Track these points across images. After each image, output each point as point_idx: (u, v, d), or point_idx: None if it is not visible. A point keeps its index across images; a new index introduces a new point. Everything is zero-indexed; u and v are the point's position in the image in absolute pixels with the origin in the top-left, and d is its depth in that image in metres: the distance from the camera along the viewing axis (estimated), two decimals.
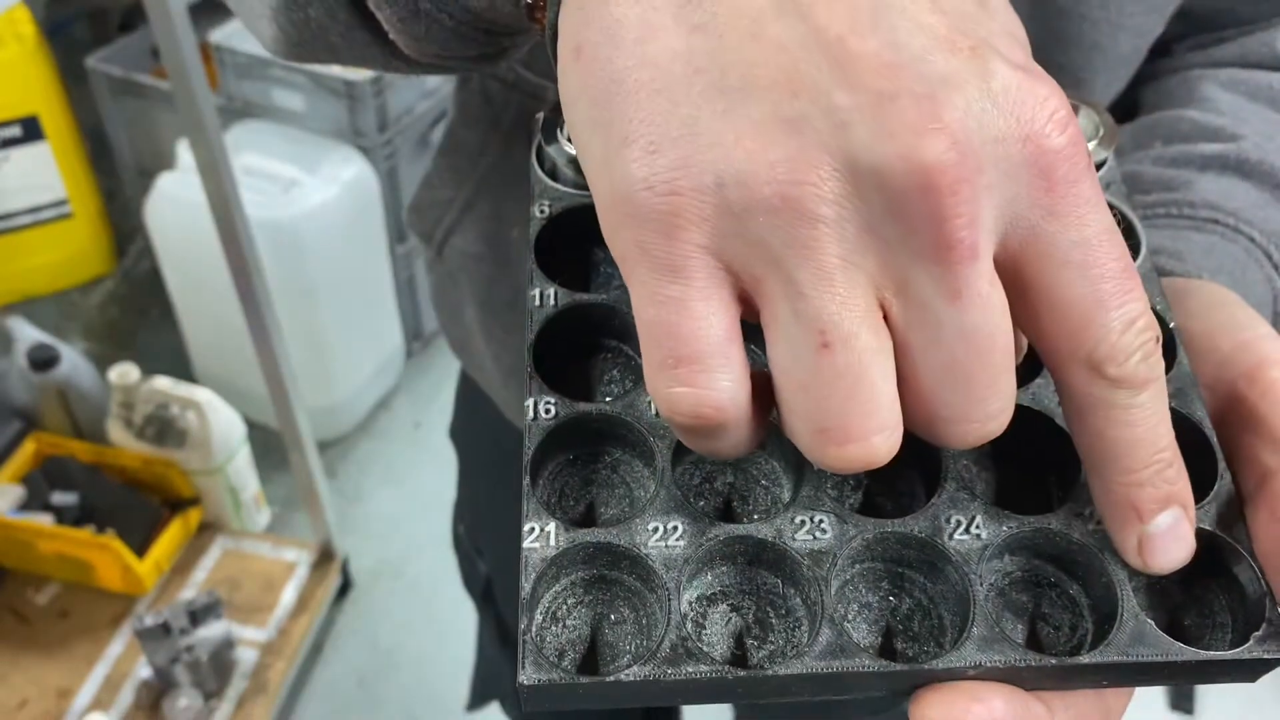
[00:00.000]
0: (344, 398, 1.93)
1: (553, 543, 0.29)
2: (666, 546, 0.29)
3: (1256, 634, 0.28)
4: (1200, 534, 0.29)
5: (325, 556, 1.67)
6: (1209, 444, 0.31)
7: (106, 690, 1.47)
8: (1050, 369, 0.27)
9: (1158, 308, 0.34)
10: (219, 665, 1.46)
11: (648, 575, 0.29)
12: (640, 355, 0.33)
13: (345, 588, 1.75)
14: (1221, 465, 0.31)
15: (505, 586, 0.80)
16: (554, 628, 0.30)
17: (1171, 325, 0.34)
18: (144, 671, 1.47)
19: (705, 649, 0.29)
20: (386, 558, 1.82)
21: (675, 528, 0.30)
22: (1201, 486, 0.30)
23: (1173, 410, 0.31)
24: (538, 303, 0.34)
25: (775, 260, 0.24)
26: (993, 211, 0.24)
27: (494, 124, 0.58)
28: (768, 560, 0.30)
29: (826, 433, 0.25)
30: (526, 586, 0.29)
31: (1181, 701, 1.14)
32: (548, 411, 0.32)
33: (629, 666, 0.28)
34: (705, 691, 0.28)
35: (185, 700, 1.43)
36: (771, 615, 0.31)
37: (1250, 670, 0.29)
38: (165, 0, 1.03)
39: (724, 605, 0.31)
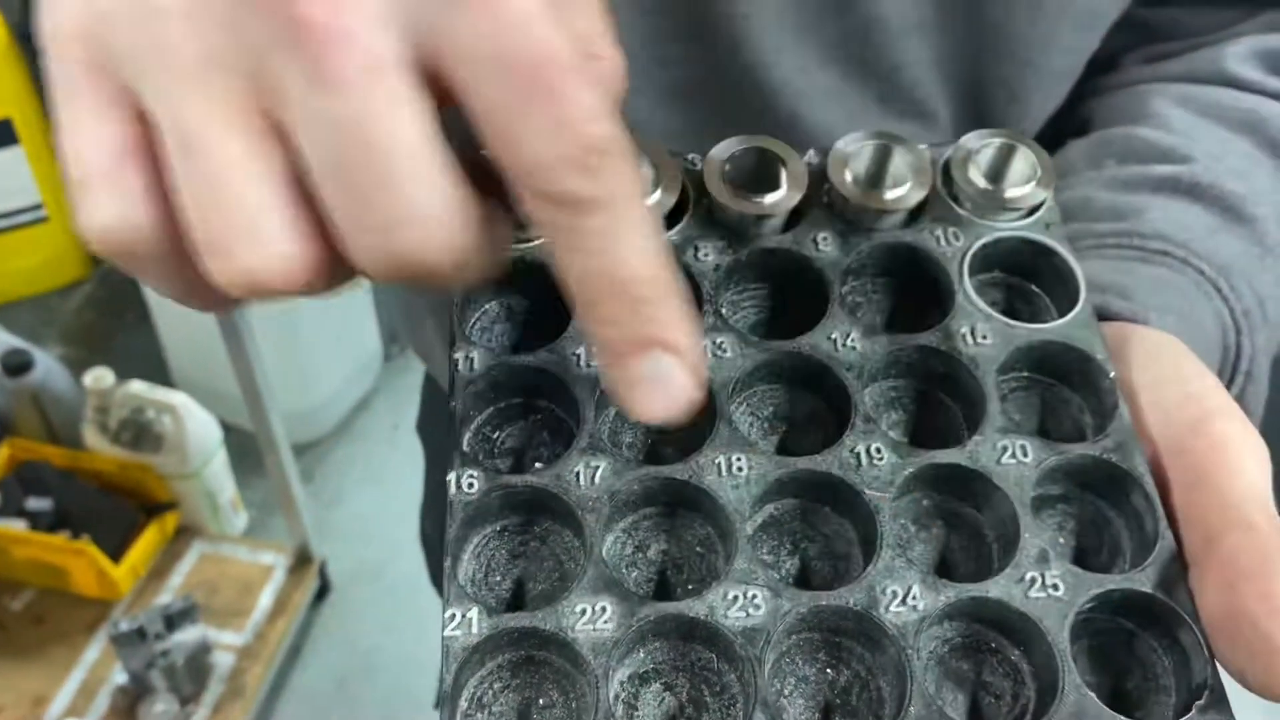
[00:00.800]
0: (321, 400, 1.93)
1: (475, 629, 0.28)
2: (594, 629, 0.28)
3: (1199, 703, 0.27)
4: (1141, 597, 0.29)
5: (303, 559, 1.67)
6: (1150, 500, 0.31)
7: (82, 697, 1.47)
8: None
9: (1098, 356, 0.33)
10: (195, 670, 1.46)
11: (576, 660, 0.28)
12: (569, 414, 0.33)
13: (323, 591, 1.75)
14: (1162, 525, 0.30)
15: None
16: (480, 715, 0.29)
17: (1111, 375, 0.33)
18: (120, 677, 1.47)
19: None
20: (365, 560, 1.82)
21: (603, 609, 0.29)
22: (1145, 544, 0.30)
23: (1113, 464, 0.31)
24: (460, 367, 0.33)
25: (140, 69, 0.23)
26: (382, 5, 0.22)
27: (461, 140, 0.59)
28: (701, 636, 0.30)
29: (204, 247, 0.23)
30: (448, 678, 0.28)
31: None
32: (470, 486, 0.31)
33: None
34: None
35: (161, 705, 1.43)
36: (706, 694, 0.30)
37: None
38: None
39: (657, 684, 0.30)
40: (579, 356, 0.33)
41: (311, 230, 0.24)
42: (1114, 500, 0.32)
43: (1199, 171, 0.43)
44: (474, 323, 0.35)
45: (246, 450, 1.86)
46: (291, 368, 1.81)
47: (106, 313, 2.18)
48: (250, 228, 0.23)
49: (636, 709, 0.29)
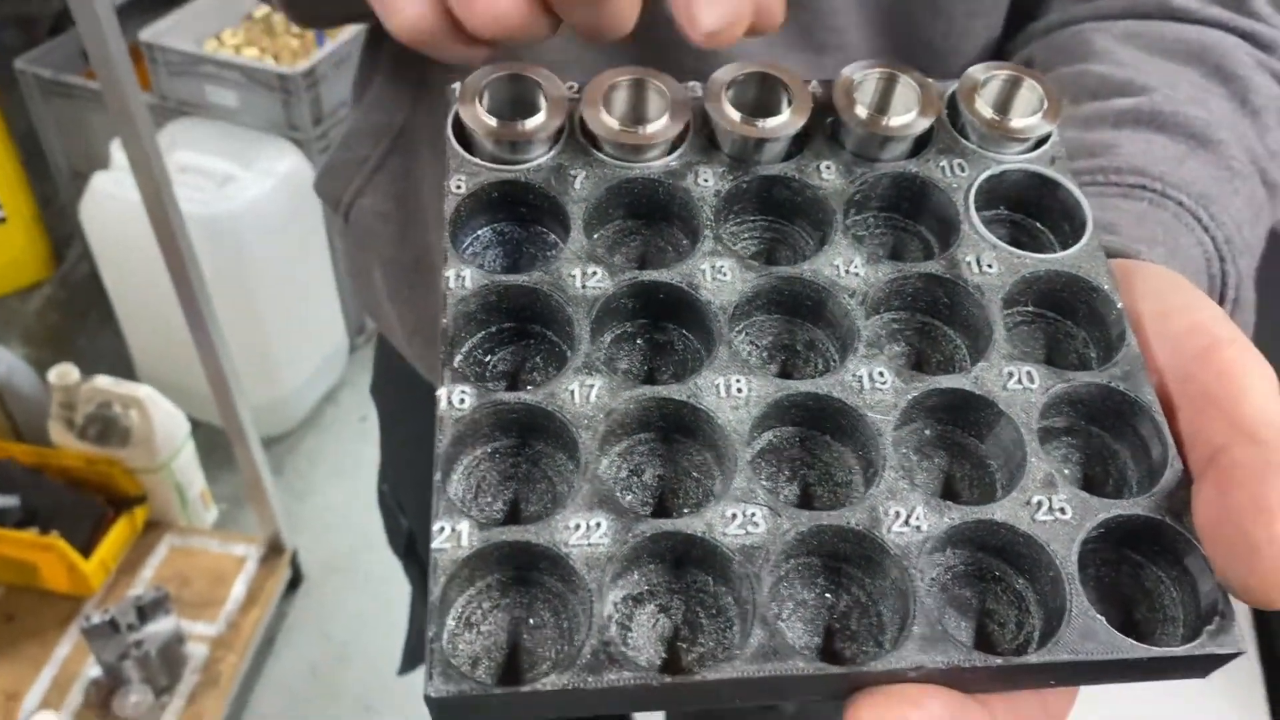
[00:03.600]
0: (289, 393, 1.93)
1: (464, 543, 0.27)
2: (589, 545, 0.27)
3: (1209, 628, 0.27)
4: (1150, 523, 0.28)
5: (274, 550, 1.68)
6: (1158, 428, 0.30)
7: (55, 691, 1.47)
8: None
9: (1105, 286, 0.33)
10: (169, 660, 1.47)
11: (569, 576, 0.27)
12: (564, 338, 0.32)
13: (296, 581, 1.76)
14: (1172, 453, 0.29)
15: (427, 540, 0.82)
16: (467, 634, 0.28)
17: (1119, 306, 0.32)
18: (93, 671, 1.47)
19: (630, 654, 0.27)
20: (336, 550, 1.84)
21: (598, 524, 0.27)
22: (1152, 473, 0.29)
23: (1121, 393, 0.30)
24: (452, 284, 0.32)
25: None
26: None
27: (418, 84, 0.60)
28: (697, 557, 0.28)
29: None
30: (436, 590, 0.26)
31: None
32: (461, 401, 0.30)
33: (548, 675, 0.25)
34: (630, 700, 0.26)
35: (135, 696, 1.43)
36: (702, 615, 0.29)
37: (1203, 666, 0.27)
38: (91, 0, 1.04)
39: (651, 606, 0.29)
40: (575, 278, 0.32)
41: None
42: (1120, 432, 0.32)
43: (1159, 101, 0.43)
44: (466, 246, 0.34)
45: (215, 446, 1.86)
46: (258, 360, 1.81)
47: (69, 313, 2.17)
48: None
49: (630, 630, 0.28)
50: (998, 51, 0.55)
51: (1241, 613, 1.21)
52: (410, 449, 0.80)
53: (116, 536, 1.57)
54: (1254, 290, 0.43)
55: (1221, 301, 0.41)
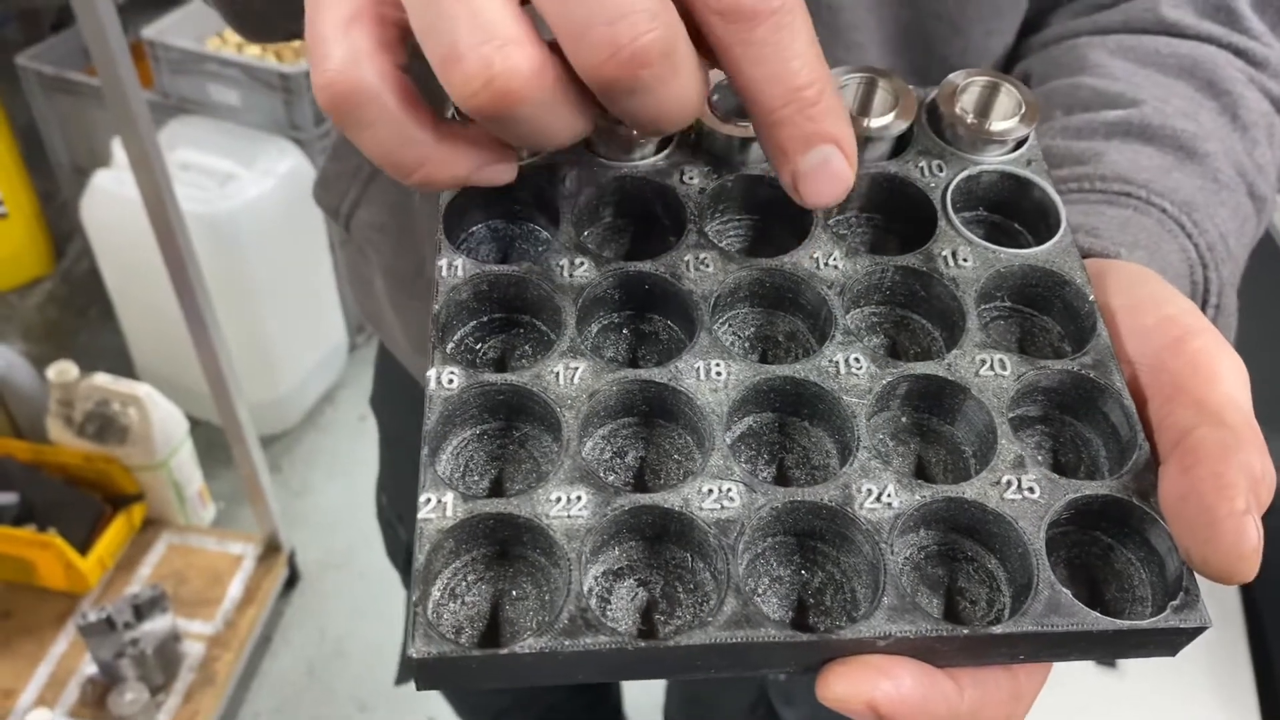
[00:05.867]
0: (287, 392, 1.93)
1: (450, 513, 0.28)
2: (569, 517, 0.28)
3: (1173, 603, 0.27)
4: (1116, 502, 0.29)
5: (271, 549, 1.68)
6: (1127, 413, 0.31)
7: (51, 688, 1.47)
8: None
9: (1077, 280, 0.34)
10: (165, 658, 1.47)
11: (550, 548, 0.28)
12: (551, 326, 0.33)
13: (293, 580, 1.76)
14: (1140, 436, 0.30)
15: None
16: (452, 604, 0.29)
17: (1091, 299, 0.33)
18: (89, 668, 1.47)
19: (609, 623, 0.28)
20: (333, 549, 1.83)
21: (579, 497, 0.28)
22: (1123, 458, 0.30)
23: (1091, 380, 0.31)
24: (444, 273, 0.33)
25: None
26: None
27: None
28: (675, 532, 0.29)
29: (446, 61, 0.26)
30: (420, 557, 0.28)
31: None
32: (449, 382, 0.31)
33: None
34: (606, 665, 0.27)
35: (131, 694, 1.43)
36: (680, 590, 0.30)
37: (1169, 641, 0.28)
38: None
39: (630, 580, 0.30)
40: (563, 268, 0.34)
41: (535, 34, 0.27)
42: (1092, 420, 0.33)
43: (1148, 114, 0.44)
44: (461, 242, 0.36)
45: (213, 444, 1.86)
46: (258, 359, 1.81)
47: (69, 309, 2.17)
48: (493, 32, 0.26)
49: (610, 603, 0.29)
50: (1007, 66, 0.56)
51: (1234, 613, 1.21)
52: (411, 463, 0.79)
53: (114, 534, 1.57)
54: (1236, 298, 0.43)
55: (1204, 308, 0.42)
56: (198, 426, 1.78)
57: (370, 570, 1.80)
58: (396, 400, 0.80)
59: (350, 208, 0.64)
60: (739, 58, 0.28)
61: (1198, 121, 0.45)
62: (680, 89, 0.28)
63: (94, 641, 1.41)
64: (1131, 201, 0.41)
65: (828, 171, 0.30)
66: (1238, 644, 1.19)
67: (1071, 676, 1.31)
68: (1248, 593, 1.23)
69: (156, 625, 1.45)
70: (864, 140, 0.36)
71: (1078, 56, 0.50)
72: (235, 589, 1.61)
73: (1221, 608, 1.21)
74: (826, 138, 0.29)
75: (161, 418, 1.58)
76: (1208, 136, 0.44)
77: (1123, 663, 1.24)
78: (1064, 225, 0.35)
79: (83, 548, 1.53)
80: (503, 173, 0.32)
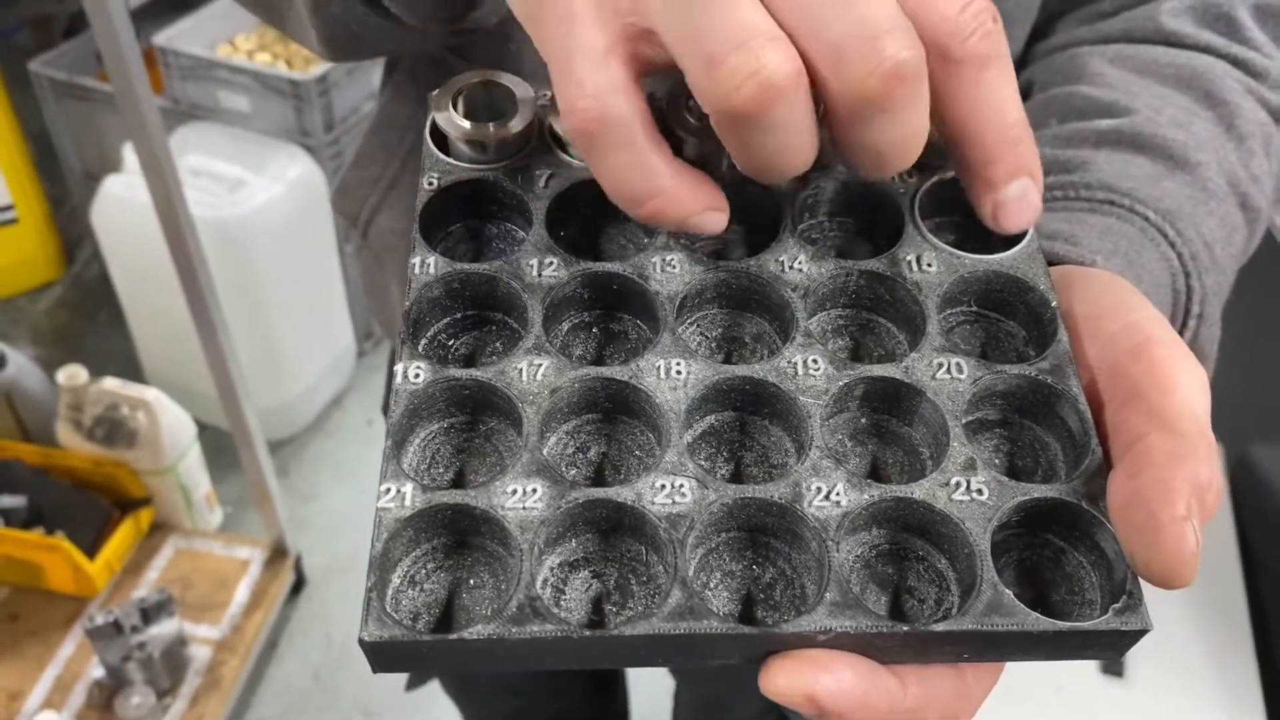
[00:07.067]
0: (295, 396, 1.94)
1: (408, 503, 0.29)
2: (524, 509, 0.29)
3: (1115, 605, 0.28)
4: (1064, 505, 0.29)
5: (278, 554, 1.68)
6: (1083, 418, 0.31)
7: (58, 692, 1.47)
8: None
9: (1040, 286, 0.34)
10: (172, 662, 1.47)
11: (505, 538, 0.29)
12: (521, 323, 0.34)
13: (299, 584, 1.76)
14: (1093, 440, 0.30)
15: None
16: (411, 591, 0.30)
17: (1054, 305, 0.34)
18: (96, 671, 1.47)
19: (561, 612, 0.29)
20: (340, 554, 1.84)
21: (534, 490, 0.29)
22: (1078, 463, 0.31)
23: (1047, 385, 0.32)
24: (417, 270, 0.34)
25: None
26: None
27: (420, 100, 0.61)
28: (629, 526, 0.30)
29: (710, 62, 0.27)
30: (378, 546, 0.28)
31: (1111, 665, 1.19)
32: (416, 376, 0.32)
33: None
34: (553, 653, 0.28)
35: (138, 698, 1.43)
36: (633, 582, 0.30)
37: (1111, 644, 0.28)
38: (106, 3, 1.05)
39: (585, 572, 0.30)
40: (532, 267, 0.34)
41: (789, 44, 0.28)
42: (1049, 424, 0.33)
43: (1140, 123, 0.45)
44: (439, 241, 0.37)
45: (221, 449, 1.87)
46: (266, 364, 1.82)
47: (78, 314, 2.19)
48: (751, 25, 0.27)
49: (564, 593, 0.30)
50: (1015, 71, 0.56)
51: (1242, 624, 1.20)
52: None
53: (122, 538, 1.58)
54: (1219, 309, 0.43)
55: (1185, 317, 0.42)
56: (205, 431, 1.78)
57: None
58: None
59: (370, 214, 0.65)
60: (964, 98, 0.30)
61: (1190, 131, 0.45)
62: (921, 114, 0.29)
63: (101, 645, 1.41)
64: (1114, 210, 0.41)
65: (1026, 201, 0.32)
66: (1246, 656, 1.18)
67: (1076, 684, 1.30)
68: (1256, 604, 1.23)
69: (163, 629, 1.45)
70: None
71: (1076, 65, 0.51)
72: (242, 593, 1.62)
73: (1229, 619, 1.21)
74: (1028, 172, 0.32)
75: (170, 422, 1.58)
76: (1200, 146, 0.44)
77: (1129, 672, 1.24)
78: (1031, 231, 0.36)
79: (90, 551, 1.53)
80: (720, 221, 0.33)
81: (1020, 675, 0.33)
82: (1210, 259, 0.42)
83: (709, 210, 0.32)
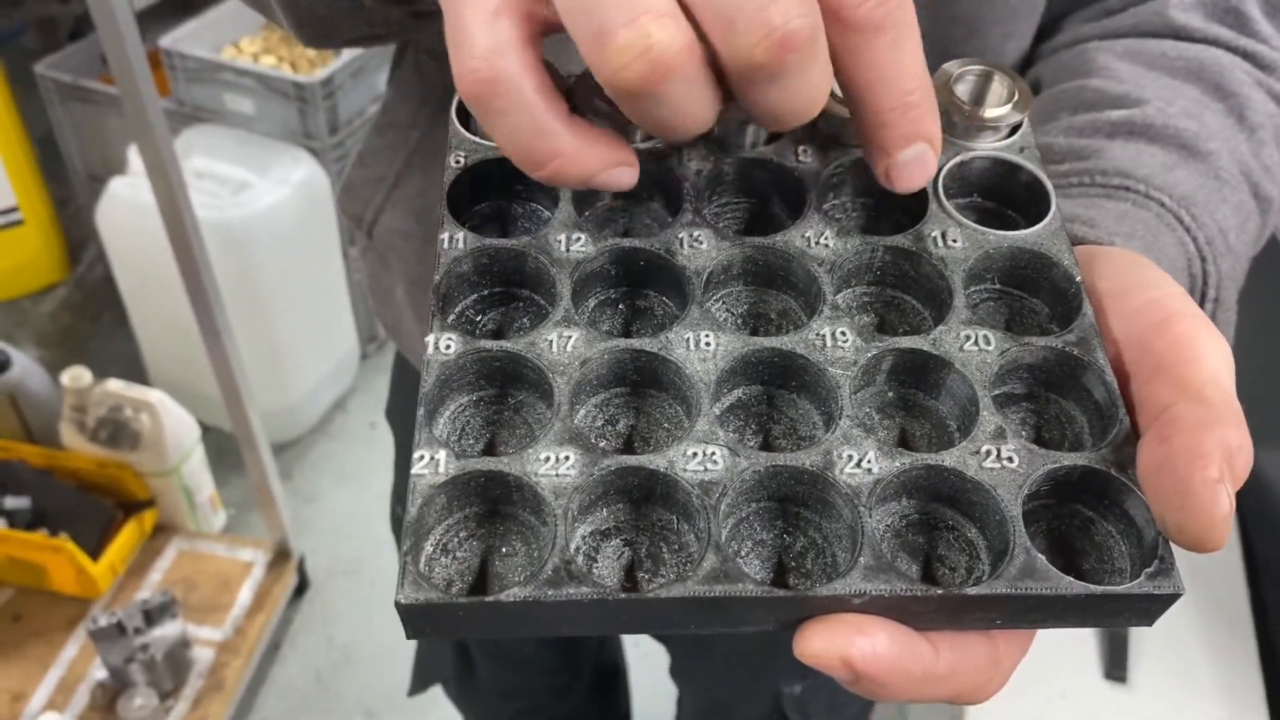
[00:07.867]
0: (299, 399, 1.94)
1: (441, 470, 0.29)
2: (557, 475, 0.29)
3: (1148, 570, 0.28)
4: (1094, 473, 0.30)
5: (281, 556, 1.68)
6: (1110, 389, 0.31)
7: (61, 693, 1.48)
8: None
9: (1064, 262, 0.34)
10: (175, 664, 1.47)
11: (538, 505, 0.29)
12: (548, 299, 0.34)
13: (302, 587, 1.76)
14: (1121, 410, 0.31)
15: None
16: (443, 559, 0.30)
17: (1078, 280, 0.34)
18: (99, 673, 1.48)
19: (593, 577, 0.28)
20: (343, 556, 1.84)
21: (567, 457, 0.29)
22: (1104, 433, 0.31)
23: (1074, 357, 0.32)
24: (445, 245, 0.34)
25: None
26: None
27: (424, 98, 0.61)
28: (661, 495, 0.30)
29: (598, 36, 0.27)
30: (412, 511, 0.28)
31: (1115, 670, 1.18)
32: (447, 348, 0.32)
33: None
34: (588, 616, 0.28)
35: (140, 700, 1.43)
36: (664, 550, 0.30)
37: (1144, 608, 0.28)
38: (111, 6, 1.05)
39: (617, 540, 0.31)
40: (560, 243, 0.35)
41: (680, 17, 0.27)
42: (1076, 396, 0.33)
43: (1151, 114, 0.45)
44: (464, 220, 0.37)
45: (225, 451, 1.87)
46: (269, 367, 1.82)
47: (82, 316, 2.19)
48: (640, 2, 0.27)
49: (596, 561, 0.30)
50: (1021, 72, 0.56)
51: (1246, 627, 1.20)
52: None
53: (125, 540, 1.58)
54: (1236, 294, 0.44)
55: (1202, 301, 0.42)
56: (209, 433, 1.79)
57: (380, 578, 1.81)
58: (413, 411, 0.80)
59: (375, 214, 0.65)
60: (859, 63, 0.30)
61: (1202, 122, 0.45)
62: (817, 78, 0.29)
63: (104, 646, 1.41)
64: (1130, 195, 0.42)
65: (920, 164, 0.33)
66: (1249, 659, 1.18)
67: (1078, 690, 1.30)
68: (1259, 608, 1.23)
69: (166, 631, 1.45)
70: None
71: (1085, 60, 0.51)
72: (245, 595, 1.62)
73: (1232, 622, 1.21)
74: (924, 136, 0.32)
75: (173, 424, 1.58)
76: (1211, 136, 0.45)
77: (1132, 677, 1.24)
78: (1054, 208, 0.36)
79: (94, 553, 1.53)
80: (628, 176, 0.32)
81: (1020, 675, 0.33)
82: (1225, 245, 0.43)
83: (614, 166, 0.32)
